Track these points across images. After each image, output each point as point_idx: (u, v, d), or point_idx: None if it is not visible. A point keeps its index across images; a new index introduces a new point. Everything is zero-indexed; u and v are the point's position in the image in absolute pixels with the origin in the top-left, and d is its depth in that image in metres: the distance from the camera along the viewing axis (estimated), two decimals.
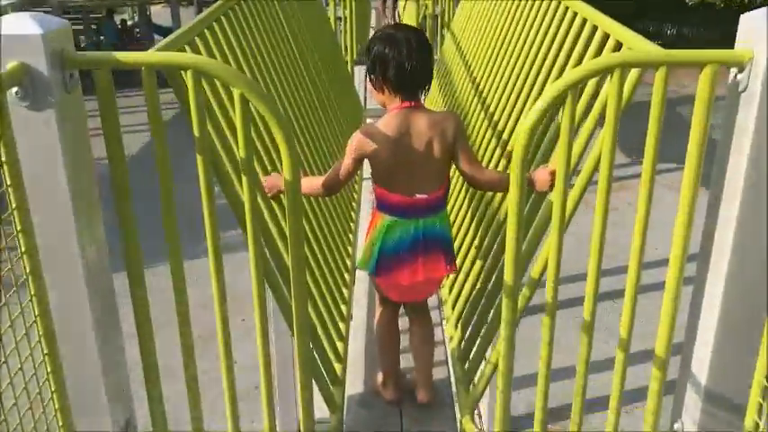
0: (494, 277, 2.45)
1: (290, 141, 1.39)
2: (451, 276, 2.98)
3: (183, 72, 1.46)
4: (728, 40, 1.61)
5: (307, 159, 2.98)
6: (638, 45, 1.73)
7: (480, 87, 3.55)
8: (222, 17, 2.33)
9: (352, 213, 3.92)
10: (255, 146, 2.32)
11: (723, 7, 13.47)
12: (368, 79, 2.25)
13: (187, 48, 1.86)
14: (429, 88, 2.28)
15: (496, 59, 3.31)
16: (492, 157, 2.88)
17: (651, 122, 1.57)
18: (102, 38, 17.49)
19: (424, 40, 2.21)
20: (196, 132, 1.45)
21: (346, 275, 2.98)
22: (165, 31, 19.94)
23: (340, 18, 6.94)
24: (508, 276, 1.61)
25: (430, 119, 2.19)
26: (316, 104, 3.81)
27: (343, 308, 2.74)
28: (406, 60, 2.13)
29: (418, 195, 2.21)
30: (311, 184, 2.30)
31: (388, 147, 2.16)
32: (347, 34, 6.47)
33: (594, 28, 2.15)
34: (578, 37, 2.28)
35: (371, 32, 9.62)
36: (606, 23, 2.04)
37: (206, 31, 2.11)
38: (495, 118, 3.00)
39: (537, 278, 2.04)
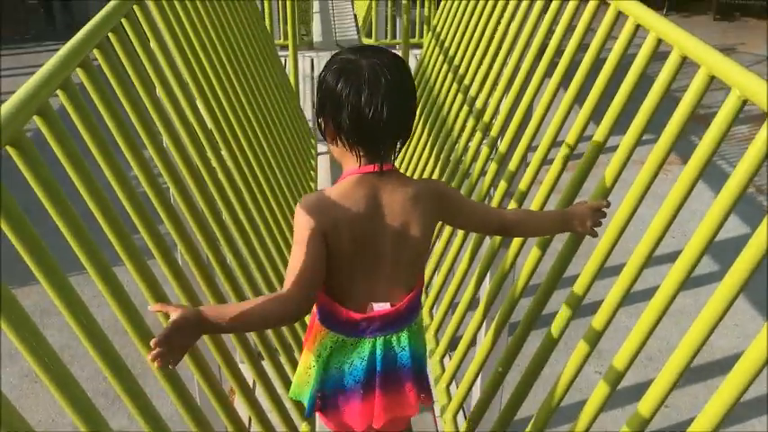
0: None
1: None
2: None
3: None
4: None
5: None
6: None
7: (479, 103, 2.75)
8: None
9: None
10: None
11: None
12: (316, 122, 1.46)
13: None
14: (403, 143, 1.49)
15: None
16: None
17: None
18: None
19: (401, 75, 1.40)
20: None
21: None
22: None
23: None
24: None
25: (406, 191, 1.46)
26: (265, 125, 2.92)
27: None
28: (370, 105, 1.35)
29: (377, 306, 1.48)
30: (264, 309, 1.31)
31: (350, 227, 1.41)
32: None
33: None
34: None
35: (315, 13, 8.25)
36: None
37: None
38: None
39: None
